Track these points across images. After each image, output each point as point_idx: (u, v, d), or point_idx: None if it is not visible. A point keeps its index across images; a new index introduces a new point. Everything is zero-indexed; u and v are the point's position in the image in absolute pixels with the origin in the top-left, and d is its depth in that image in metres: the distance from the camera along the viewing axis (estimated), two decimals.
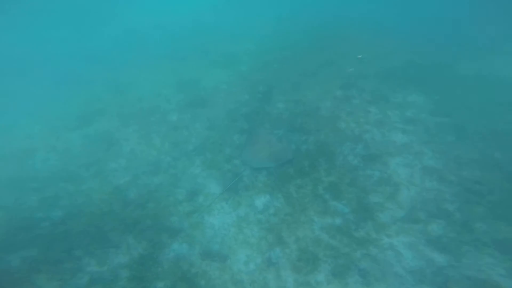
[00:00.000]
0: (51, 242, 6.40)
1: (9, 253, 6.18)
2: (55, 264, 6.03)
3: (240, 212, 7.39)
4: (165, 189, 7.85)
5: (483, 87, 10.51)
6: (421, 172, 8.05)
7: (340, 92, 11.02)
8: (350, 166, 8.30)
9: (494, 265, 5.97)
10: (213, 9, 20.75)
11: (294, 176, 8.08)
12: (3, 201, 7.41)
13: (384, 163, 8.32)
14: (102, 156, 8.79)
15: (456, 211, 7.11)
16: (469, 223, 6.82)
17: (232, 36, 16.43)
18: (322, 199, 7.57)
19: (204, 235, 6.85)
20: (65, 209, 7.22)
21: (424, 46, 13.71)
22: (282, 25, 17.77)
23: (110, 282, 5.74)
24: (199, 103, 10.85)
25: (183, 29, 17.59)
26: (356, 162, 8.38)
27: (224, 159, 8.66)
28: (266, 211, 7.39)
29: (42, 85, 12.12)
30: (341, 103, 10.49)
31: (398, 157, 8.45)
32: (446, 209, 7.19)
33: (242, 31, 17.08)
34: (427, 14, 17.36)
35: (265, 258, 6.48)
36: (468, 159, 8.21)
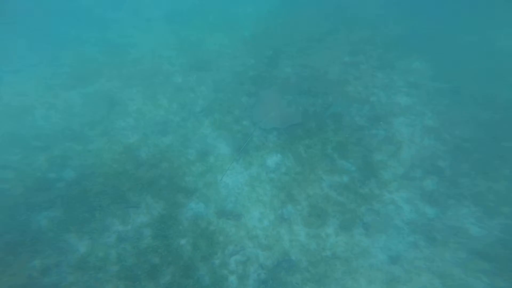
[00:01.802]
0: (71, 203, 5.91)
1: (35, 213, 5.70)
2: (82, 223, 5.63)
3: (252, 172, 7.06)
4: (176, 149, 7.28)
5: (480, 56, 10.32)
6: (421, 131, 7.98)
7: (348, 57, 10.34)
8: (356, 126, 8.00)
9: (468, 215, 6.41)
10: None
11: (303, 137, 7.71)
12: (9, 161, 6.60)
13: (389, 122, 8.09)
14: (106, 115, 7.90)
15: (447, 168, 7.27)
16: (456, 178, 7.06)
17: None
18: (330, 158, 7.34)
19: (218, 194, 6.55)
20: (77, 169, 6.57)
21: (427, 16, 13.01)
22: None
23: (136, 240, 5.48)
24: (203, 66, 9.83)
25: None
26: (363, 122, 8.08)
27: (233, 120, 8.07)
28: (277, 170, 7.10)
29: (27, 43, 10.35)
30: (349, 68, 9.89)
31: (402, 117, 8.25)
32: (439, 165, 7.32)
33: None
34: None
35: (277, 214, 6.36)
36: (460, 120, 8.24)
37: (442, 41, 11.23)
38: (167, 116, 8.12)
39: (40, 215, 5.66)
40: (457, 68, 9.85)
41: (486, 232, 6.06)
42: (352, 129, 7.94)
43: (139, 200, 6.12)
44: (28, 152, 6.86)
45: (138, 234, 5.60)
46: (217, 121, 8.06)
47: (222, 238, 5.85)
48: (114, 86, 8.85)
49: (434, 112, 8.44)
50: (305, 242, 5.93)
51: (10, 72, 9.09)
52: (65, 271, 5.03)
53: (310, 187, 6.82)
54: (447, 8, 13.83)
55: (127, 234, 5.60)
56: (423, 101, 8.76)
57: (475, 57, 10.29)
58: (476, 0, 14.35)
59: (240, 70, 9.73)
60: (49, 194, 6.01)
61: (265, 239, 5.96)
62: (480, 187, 6.82)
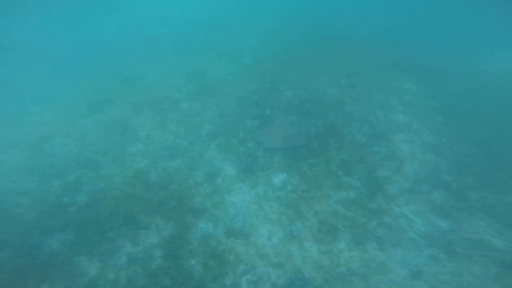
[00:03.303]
0: (83, 225, 5.87)
1: (47, 236, 5.64)
2: (93, 246, 5.55)
3: (258, 191, 7.03)
4: (184, 172, 7.33)
5: (463, 79, 11.02)
6: (421, 147, 8.08)
7: (344, 80, 10.83)
8: (358, 144, 8.10)
9: (486, 227, 6.23)
10: (215, 5, 19.77)
11: (306, 156, 7.80)
12: (26, 187, 6.70)
13: (389, 140, 8.20)
14: (118, 141, 8.07)
15: (453, 182, 7.25)
16: (464, 191, 7.00)
17: (234, 32, 15.69)
18: (335, 175, 7.36)
19: (227, 214, 6.47)
20: (89, 194, 6.60)
21: (415, 43, 14.21)
22: (281, 22, 17.20)
23: (147, 261, 5.33)
24: (209, 92, 10.24)
25: (187, 25, 16.60)
26: (364, 141, 8.20)
27: (238, 143, 8.21)
28: (284, 188, 7.08)
29: (48, 74, 10.99)
30: (346, 89, 10.31)
31: (401, 134, 8.38)
32: (444, 179, 7.30)
33: (244, 27, 16.38)
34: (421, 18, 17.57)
35: (287, 232, 6.23)
36: (457, 136, 8.39)
37: (431, 65, 11.92)
38: (175, 140, 8.28)
39: (53, 238, 5.61)
40: (446, 89, 10.37)
41: (510, 244, 5.82)
42: (353, 146, 8.05)
43: (149, 221, 6.06)
44: (44, 179, 6.95)
45: (148, 255, 5.47)
46: (222, 144, 8.20)
47: (232, 258, 5.67)
48: (125, 114, 9.15)
49: (431, 129, 8.65)
50: (318, 259, 5.72)
51: (33, 103, 9.53)
52: None
53: (318, 204, 6.75)
54: (434, 36, 14.95)
55: (137, 255, 5.47)
56: (419, 119, 9.00)
57: (461, 80, 10.97)
58: (460, 28, 15.58)
59: (243, 95, 10.10)
60: (62, 218, 6.01)
61: (275, 257, 5.77)
62: (490, 199, 6.75)
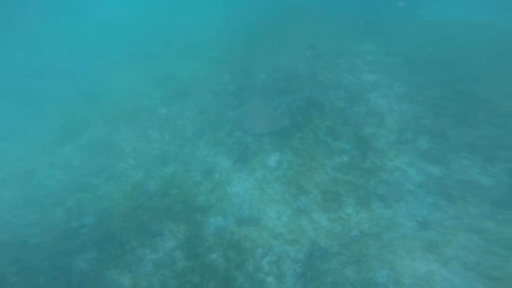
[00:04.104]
0: (101, 243, 5.87)
1: (72, 258, 5.65)
2: (117, 259, 5.58)
3: (257, 176, 7.18)
4: (181, 175, 7.32)
5: (415, 31, 11.77)
6: (396, 99, 8.49)
7: (309, 52, 11.04)
8: (338, 109, 8.40)
9: (471, 166, 6.59)
10: (161, 4, 18.96)
11: (294, 131, 8.00)
12: (31, 218, 6.58)
13: (365, 99, 8.56)
14: (107, 161, 7.89)
15: (432, 125, 7.67)
16: (444, 132, 7.43)
17: (189, 27, 15.30)
18: (325, 143, 7.63)
19: (233, 205, 6.59)
20: (94, 214, 6.55)
21: (365, 7, 14.57)
22: (232, 7, 16.90)
23: (171, 264, 5.47)
24: (182, 93, 10.07)
25: (136, 30, 15.95)
26: (343, 104, 8.50)
27: (226, 135, 8.26)
28: (280, 167, 7.27)
29: (3, 107, 10.32)
30: (313, 61, 10.52)
31: (375, 92, 8.75)
32: (424, 124, 7.72)
33: (198, 21, 15.95)
34: None
35: (293, 208, 6.46)
36: (424, 83, 8.90)
37: (381, 25, 12.55)
38: (163, 147, 8.18)
39: (78, 259, 5.61)
40: (401, 43, 10.98)
41: (496, 179, 6.19)
42: (335, 112, 8.33)
43: (161, 228, 6.11)
44: (45, 209, 6.81)
45: (171, 259, 5.58)
46: (211, 140, 8.21)
47: (249, 244, 5.85)
48: (103, 132, 8.87)
49: (400, 81, 9.12)
50: (329, 227, 6.00)
51: (2, 140, 8.95)
52: None
53: (316, 175, 7.00)
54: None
55: (161, 260, 5.56)
56: (386, 74, 9.46)
57: (410, 31, 11.73)
58: None
59: (219, 88, 10.05)
60: (78, 240, 5.99)
61: (289, 234, 6.00)
62: (468, 136, 7.16)
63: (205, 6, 17.89)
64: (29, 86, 11.45)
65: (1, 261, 5.70)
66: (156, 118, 9.22)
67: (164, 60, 12.49)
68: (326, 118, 8.21)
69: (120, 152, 8.12)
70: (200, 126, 8.62)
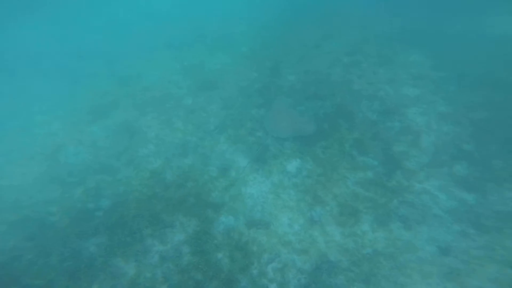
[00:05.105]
0: (112, 228, 6.08)
1: (83, 240, 5.92)
2: (126, 247, 5.76)
3: (274, 180, 7.04)
4: (198, 168, 7.38)
5: (471, 43, 10.63)
6: (436, 118, 7.91)
7: (347, 58, 10.60)
8: (370, 122, 7.99)
9: None
10: None
11: (318, 139, 7.74)
12: (52, 196, 6.93)
13: (402, 114, 8.05)
14: (129, 145, 8.16)
15: (474, 151, 7.06)
16: (488, 160, 6.81)
17: (223, 20, 15.37)
18: (350, 155, 7.30)
19: (245, 206, 6.52)
20: (111, 198, 6.79)
21: (415, 13, 13.45)
22: (270, 6, 16.68)
23: (177, 258, 5.54)
24: (210, 85, 10.16)
25: (173, 18, 16.31)
26: (376, 117, 8.07)
27: (247, 133, 8.19)
28: (299, 174, 7.08)
29: (46, 83, 11.04)
30: (350, 67, 10.09)
31: (414, 108, 8.21)
32: (465, 149, 7.13)
33: (234, 13, 15.99)
34: None
35: (307, 218, 6.26)
36: (473, 103, 8.17)
37: (434, 34, 11.51)
38: (185, 137, 8.28)
39: (88, 242, 5.86)
40: (453, 56, 10.04)
41: None
42: (365, 124, 7.91)
43: (173, 220, 6.20)
44: (66, 188, 7.16)
45: (177, 253, 5.65)
46: (231, 136, 8.17)
47: (256, 248, 5.77)
48: (130, 116, 9.16)
49: (445, 99, 8.44)
50: (342, 242, 5.76)
51: (39, 113, 9.65)
52: None
53: (336, 187, 6.73)
54: (432, 5, 14.16)
55: (168, 253, 5.65)
56: (430, 90, 8.81)
57: (467, 44, 10.57)
58: None
59: (245, 84, 9.99)
60: (91, 222, 6.24)
61: (298, 244, 5.83)
62: None
63: (240, 3, 17.85)
64: (71, 67, 12.15)
65: (20, 236, 6.09)
66: (181, 107, 9.37)
67: (196, 50, 12.65)
68: (355, 129, 7.85)
69: (143, 137, 8.34)
70: (223, 121, 8.62)
